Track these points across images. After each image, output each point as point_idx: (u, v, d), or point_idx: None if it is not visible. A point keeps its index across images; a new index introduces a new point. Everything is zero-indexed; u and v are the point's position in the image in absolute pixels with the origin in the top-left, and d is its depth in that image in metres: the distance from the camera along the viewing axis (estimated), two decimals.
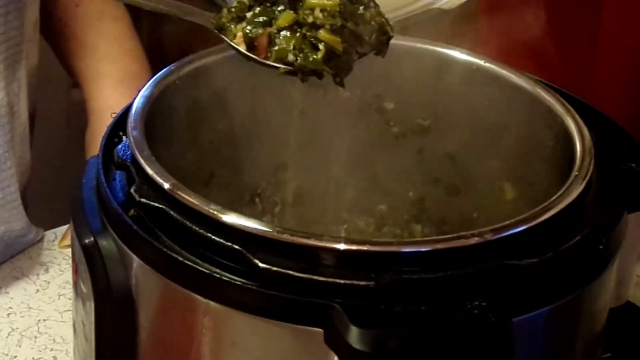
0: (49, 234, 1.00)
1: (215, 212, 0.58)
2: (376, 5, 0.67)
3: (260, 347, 0.57)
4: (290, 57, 0.65)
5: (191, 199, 0.59)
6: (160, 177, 0.60)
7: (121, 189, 0.63)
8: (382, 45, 0.68)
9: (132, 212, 0.61)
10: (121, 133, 0.68)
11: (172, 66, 0.71)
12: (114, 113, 0.70)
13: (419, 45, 0.76)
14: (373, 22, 0.67)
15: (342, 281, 0.55)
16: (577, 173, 0.63)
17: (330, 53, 0.65)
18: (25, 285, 0.93)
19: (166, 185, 0.60)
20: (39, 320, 0.89)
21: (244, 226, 0.57)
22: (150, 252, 0.59)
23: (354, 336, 0.53)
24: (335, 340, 0.54)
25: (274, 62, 0.66)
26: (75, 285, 0.65)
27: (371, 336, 0.53)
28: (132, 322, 0.61)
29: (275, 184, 0.80)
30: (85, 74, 1.00)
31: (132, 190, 0.61)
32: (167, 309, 0.59)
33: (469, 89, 0.75)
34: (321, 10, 0.65)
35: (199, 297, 0.57)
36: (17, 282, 0.93)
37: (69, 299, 0.92)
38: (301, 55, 0.65)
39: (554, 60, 0.77)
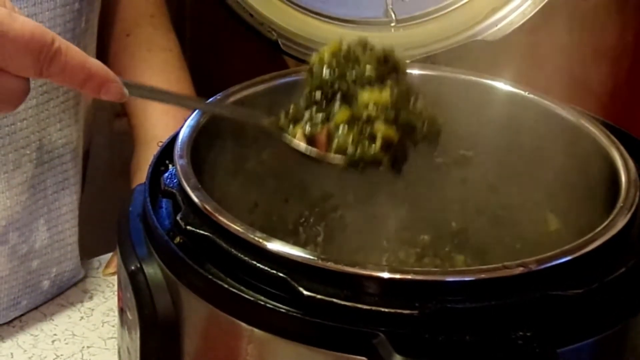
0: (94, 262, 1.01)
1: (261, 240, 0.58)
2: (424, 98, 0.70)
3: None
4: (350, 150, 0.68)
5: (237, 227, 0.59)
6: (206, 205, 0.61)
7: (167, 216, 0.64)
8: (433, 135, 0.71)
9: (178, 239, 0.62)
10: (167, 161, 0.69)
11: (218, 96, 0.72)
12: (160, 142, 0.71)
13: (462, 76, 0.77)
14: (423, 114, 0.70)
15: (386, 310, 0.55)
16: (622, 204, 0.63)
17: (387, 143, 0.68)
18: (70, 312, 0.94)
19: (212, 213, 0.60)
20: (83, 347, 0.90)
21: (289, 254, 0.58)
22: (195, 279, 0.59)
23: None
24: None
25: (334, 156, 0.69)
26: (121, 311, 0.66)
27: None
28: (177, 349, 0.61)
29: (318, 213, 0.81)
30: (133, 103, 1.02)
31: (178, 218, 0.62)
32: (212, 336, 0.60)
33: (512, 119, 0.75)
34: (374, 105, 0.68)
35: (243, 324, 0.58)
36: (62, 310, 0.94)
37: (113, 326, 0.93)
38: (360, 147, 0.68)
39: (598, 92, 0.77)
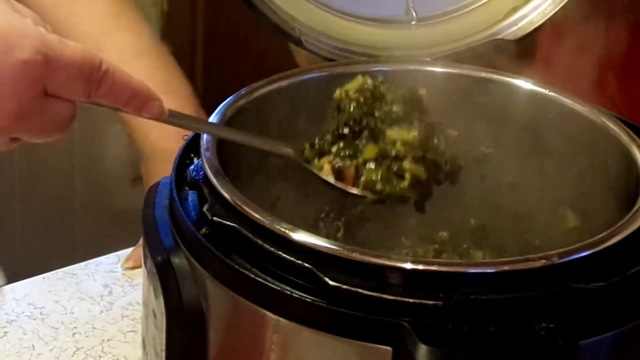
0: (112, 257, 1.02)
1: (287, 231, 0.59)
2: (446, 138, 0.73)
3: None
4: (378, 187, 0.71)
5: (263, 218, 0.60)
6: (233, 196, 0.62)
7: (193, 208, 0.65)
8: (455, 173, 0.73)
9: (204, 230, 0.62)
10: (192, 155, 0.70)
11: (242, 90, 0.73)
12: (185, 136, 0.72)
13: (483, 74, 0.78)
14: (446, 153, 0.72)
15: (410, 300, 0.56)
16: None
17: (415, 181, 0.70)
18: (90, 306, 0.95)
19: (239, 205, 0.61)
20: (103, 340, 0.91)
21: (315, 245, 0.59)
22: (222, 269, 0.60)
23: (423, 354, 0.54)
24: (404, 358, 0.55)
25: (362, 191, 0.71)
26: (147, 301, 0.66)
27: (440, 355, 0.54)
28: (203, 338, 0.62)
29: (338, 209, 0.82)
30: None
31: (205, 209, 0.62)
32: (237, 325, 0.61)
33: (532, 117, 0.76)
34: (402, 144, 0.70)
35: (269, 313, 0.58)
36: (82, 303, 0.95)
37: (132, 320, 0.94)
38: (388, 184, 0.70)
39: (618, 90, 0.77)
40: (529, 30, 0.84)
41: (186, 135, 0.71)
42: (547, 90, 0.75)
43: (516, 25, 0.85)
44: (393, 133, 0.70)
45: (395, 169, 0.70)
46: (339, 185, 0.71)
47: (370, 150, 0.71)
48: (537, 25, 0.84)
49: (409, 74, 0.79)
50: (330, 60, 0.83)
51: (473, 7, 0.86)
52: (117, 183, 1.97)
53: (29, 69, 0.54)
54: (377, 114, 0.71)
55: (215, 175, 0.64)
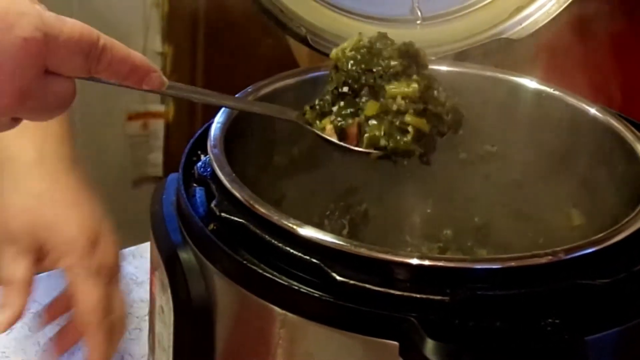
0: None
1: (294, 227, 0.60)
2: (445, 89, 0.72)
3: (336, 358, 0.58)
4: (382, 142, 0.70)
5: (271, 214, 0.61)
6: (240, 192, 0.62)
7: (201, 204, 0.65)
8: (457, 124, 0.73)
9: (212, 226, 0.63)
10: (199, 152, 0.70)
11: (249, 88, 0.73)
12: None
13: (488, 73, 0.78)
14: (447, 104, 0.72)
15: (417, 296, 0.57)
16: None
17: (419, 134, 0.70)
18: None
19: (247, 201, 0.62)
20: None
21: (322, 240, 0.59)
22: (230, 264, 0.60)
23: (430, 349, 0.54)
24: (411, 353, 0.55)
25: (366, 148, 0.71)
26: (154, 297, 0.67)
27: (447, 349, 0.54)
28: (210, 333, 0.62)
29: (343, 207, 0.82)
30: None
31: (212, 205, 0.63)
32: (245, 320, 0.61)
33: (537, 116, 0.76)
34: (403, 98, 0.70)
35: (276, 308, 0.59)
36: None
37: (137, 317, 0.94)
38: (392, 139, 0.70)
39: (623, 89, 0.78)
40: (533, 30, 0.84)
41: None
42: (552, 89, 0.76)
43: (520, 24, 0.86)
44: (393, 88, 0.70)
45: (397, 123, 0.70)
46: (343, 144, 0.71)
47: (371, 106, 0.70)
48: (541, 24, 0.85)
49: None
50: None
51: (478, 6, 0.87)
52: (118, 184, 1.98)
53: (29, 47, 0.53)
54: (375, 70, 0.70)
55: (223, 172, 0.64)
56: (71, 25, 0.55)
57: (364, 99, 0.71)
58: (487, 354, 0.54)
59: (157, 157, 2.02)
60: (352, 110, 0.71)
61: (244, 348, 0.62)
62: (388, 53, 0.71)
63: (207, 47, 1.86)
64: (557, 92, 0.75)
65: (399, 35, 0.73)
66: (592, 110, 0.74)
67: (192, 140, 0.71)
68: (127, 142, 2.04)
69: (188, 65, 1.91)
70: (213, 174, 0.65)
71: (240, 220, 0.61)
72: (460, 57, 0.84)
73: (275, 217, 0.60)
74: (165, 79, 0.61)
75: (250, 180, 0.72)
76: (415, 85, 0.70)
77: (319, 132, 0.71)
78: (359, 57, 0.71)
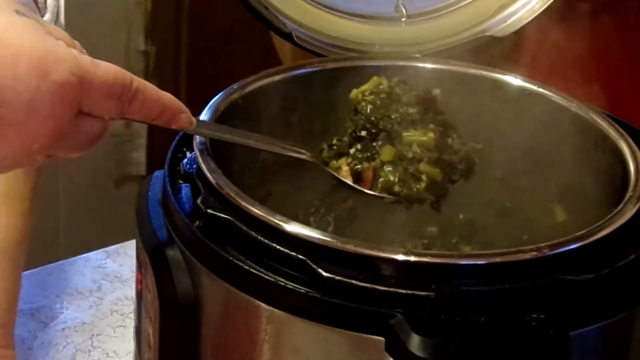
0: (101, 253, 1.03)
1: (280, 223, 0.60)
2: (459, 136, 0.74)
3: (322, 355, 0.58)
4: (396, 189, 0.72)
5: (256, 210, 0.61)
6: (226, 188, 0.62)
7: (187, 201, 0.65)
8: (469, 171, 0.75)
9: (197, 222, 0.63)
10: (185, 149, 0.70)
11: (235, 85, 0.73)
12: None
13: (472, 70, 0.79)
14: (461, 152, 0.74)
15: (403, 291, 0.57)
16: (631, 193, 0.64)
17: (431, 182, 0.72)
18: (79, 301, 0.95)
19: (232, 197, 0.62)
20: (93, 335, 0.91)
21: (308, 236, 0.59)
22: (216, 261, 0.60)
23: (415, 344, 0.54)
24: (397, 348, 0.55)
25: (380, 192, 0.73)
26: (140, 294, 0.67)
27: (433, 344, 0.54)
28: (196, 329, 0.62)
29: (328, 204, 0.82)
30: None
31: (198, 202, 0.63)
32: (231, 316, 0.61)
33: (521, 113, 0.77)
34: (418, 146, 0.72)
35: (262, 304, 0.59)
36: (71, 299, 0.95)
37: (122, 315, 0.94)
38: (405, 186, 0.72)
39: (606, 86, 0.78)
40: (517, 27, 0.85)
41: None
42: (536, 87, 0.76)
43: (505, 22, 0.86)
44: (410, 135, 0.71)
45: (412, 170, 0.72)
46: (358, 187, 0.73)
47: (387, 152, 0.72)
48: (525, 22, 0.85)
49: (398, 70, 0.79)
50: (321, 56, 0.84)
51: (462, 4, 0.87)
52: (101, 182, 1.97)
53: (65, 91, 0.55)
54: (393, 116, 0.72)
55: (209, 168, 0.64)
56: (104, 69, 0.56)
57: (380, 143, 0.73)
58: (472, 348, 0.55)
59: (140, 155, 2.01)
60: (368, 154, 0.73)
61: (230, 344, 0.62)
62: (407, 99, 0.73)
63: (191, 45, 1.86)
64: (541, 90, 0.76)
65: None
66: (576, 108, 0.74)
67: (177, 137, 0.71)
68: (110, 140, 2.03)
69: (171, 64, 1.91)
70: (199, 170, 0.65)
71: (227, 216, 0.61)
72: (445, 54, 0.84)
73: (262, 213, 0.61)
74: (193, 118, 0.62)
75: (236, 177, 0.72)
76: (431, 134, 0.72)
77: (334, 173, 0.73)
78: (378, 102, 0.73)
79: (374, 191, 0.73)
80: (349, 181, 0.73)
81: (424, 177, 0.72)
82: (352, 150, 0.73)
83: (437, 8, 0.87)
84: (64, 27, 0.94)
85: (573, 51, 0.78)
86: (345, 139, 0.74)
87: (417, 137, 0.71)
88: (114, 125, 0.58)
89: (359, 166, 0.73)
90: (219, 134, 0.67)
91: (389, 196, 0.72)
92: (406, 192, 0.72)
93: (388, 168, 0.72)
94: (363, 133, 0.73)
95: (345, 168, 0.73)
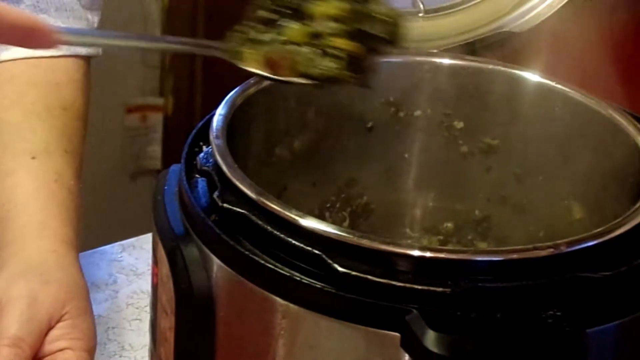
0: (117, 246, 1.03)
1: (296, 217, 0.60)
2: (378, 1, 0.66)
3: (337, 350, 0.58)
4: (314, 71, 0.66)
5: (273, 205, 0.61)
6: (242, 183, 0.62)
7: (203, 195, 0.65)
8: (396, 37, 0.67)
9: (213, 217, 0.63)
10: (201, 143, 0.70)
11: (251, 80, 0.73)
12: None
13: (490, 66, 0.78)
14: (384, 17, 0.66)
15: (419, 287, 0.57)
16: None
17: (353, 59, 0.66)
18: (95, 294, 0.95)
19: (249, 192, 0.62)
20: (108, 328, 0.92)
21: (324, 231, 0.59)
22: (232, 255, 0.61)
23: (431, 340, 0.54)
24: (412, 344, 0.55)
25: (300, 78, 0.66)
26: (156, 287, 0.67)
27: (448, 340, 0.54)
28: (212, 324, 0.62)
29: (344, 199, 0.82)
30: None
31: (214, 196, 0.63)
32: (246, 311, 0.61)
33: (539, 109, 0.76)
34: (331, 18, 0.65)
35: (278, 299, 0.59)
36: None
37: (137, 308, 0.94)
38: (323, 67, 0.65)
39: (626, 83, 0.78)
40: (536, 23, 0.84)
41: None
42: (554, 83, 0.76)
43: (523, 17, 0.86)
44: (320, 8, 0.64)
45: (328, 48, 0.65)
46: (274, 76, 0.66)
47: (296, 31, 0.65)
48: (544, 17, 0.85)
49: (415, 65, 0.79)
50: None
51: None
52: (117, 176, 1.98)
53: None
54: None
55: (226, 163, 0.64)
56: None
57: (292, 25, 0.65)
58: (488, 345, 0.55)
59: (155, 149, 2.02)
60: (280, 37, 0.65)
61: (246, 338, 0.62)
62: None
63: (207, 38, 1.86)
64: (559, 86, 0.75)
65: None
66: (594, 104, 0.74)
67: (194, 132, 0.71)
68: (126, 134, 2.04)
69: (187, 57, 1.91)
70: (215, 165, 0.65)
71: (243, 211, 0.61)
72: (462, 50, 0.84)
73: (278, 208, 0.60)
74: (53, 35, 0.57)
75: (252, 172, 0.72)
76: (344, 4, 0.64)
77: (247, 67, 0.66)
78: None
79: (292, 78, 0.66)
80: (265, 72, 0.66)
81: (342, 53, 0.64)
82: (263, 36, 0.65)
83: (455, 3, 0.86)
84: None
85: (592, 47, 0.78)
86: (254, 26, 0.66)
87: (327, 9, 0.64)
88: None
89: (271, 53, 0.65)
90: (99, 41, 0.61)
91: (309, 81, 0.65)
92: (326, 74, 0.65)
93: (304, 50, 0.65)
94: (271, 15, 0.65)
95: (257, 58, 0.66)
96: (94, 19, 0.94)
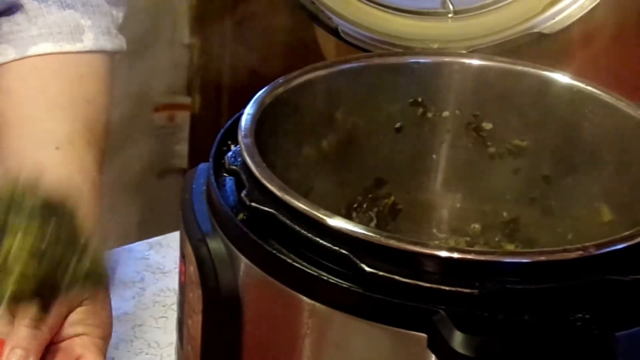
0: (143, 244, 1.03)
1: (324, 217, 0.60)
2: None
3: (363, 350, 0.58)
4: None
5: (300, 204, 0.61)
6: (270, 182, 0.63)
7: (231, 194, 0.65)
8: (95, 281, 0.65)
9: (241, 215, 0.63)
10: (229, 142, 0.71)
11: (280, 79, 0.74)
12: None
13: (519, 67, 0.78)
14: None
15: (446, 288, 0.57)
16: None
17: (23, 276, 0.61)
18: (122, 292, 0.96)
19: (277, 191, 0.62)
20: (135, 326, 0.92)
21: (352, 231, 0.59)
22: (259, 254, 0.61)
23: (458, 341, 0.54)
24: (439, 345, 0.55)
25: None
26: (183, 285, 0.67)
27: (475, 342, 0.54)
28: (238, 322, 0.63)
29: (371, 199, 0.82)
30: None
31: (242, 195, 0.63)
32: (273, 310, 0.61)
33: (568, 111, 0.76)
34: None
35: (305, 298, 0.59)
36: (114, 289, 0.96)
37: (163, 306, 0.95)
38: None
39: None
40: (566, 24, 0.84)
41: None
42: (584, 84, 0.75)
43: (553, 19, 0.85)
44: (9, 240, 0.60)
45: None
46: None
47: None
48: (574, 19, 0.84)
49: (444, 66, 0.79)
50: (366, 51, 0.84)
51: (510, 0, 0.87)
52: (144, 174, 1.99)
53: None
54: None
55: (254, 162, 0.64)
56: None
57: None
58: (515, 347, 0.54)
59: (182, 148, 2.03)
60: None
61: (272, 337, 0.62)
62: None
63: (235, 39, 1.86)
64: (589, 88, 0.75)
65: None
66: (624, 106, 0.73)
67: (222, 131, 0.72)
68: (154, 133, 2.05)
69: (215, 57, 1.92)
70: (243, 163, 0.65)
71: (270, 210, 0.61)
72: (492, 51, 0.84)
73: (305, 207, 0.61)
74: None
75: (280, 171, 0.72)
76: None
77: None
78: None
79: None
80: None
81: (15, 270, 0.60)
82: None
83: (485, 4, 0.86)
84: None
85: (622, 49, 0.77)
86: None
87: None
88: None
89: None
90: None
91: None
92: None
93: None
94: None
95: None
96: (118, 14, 0.95)
